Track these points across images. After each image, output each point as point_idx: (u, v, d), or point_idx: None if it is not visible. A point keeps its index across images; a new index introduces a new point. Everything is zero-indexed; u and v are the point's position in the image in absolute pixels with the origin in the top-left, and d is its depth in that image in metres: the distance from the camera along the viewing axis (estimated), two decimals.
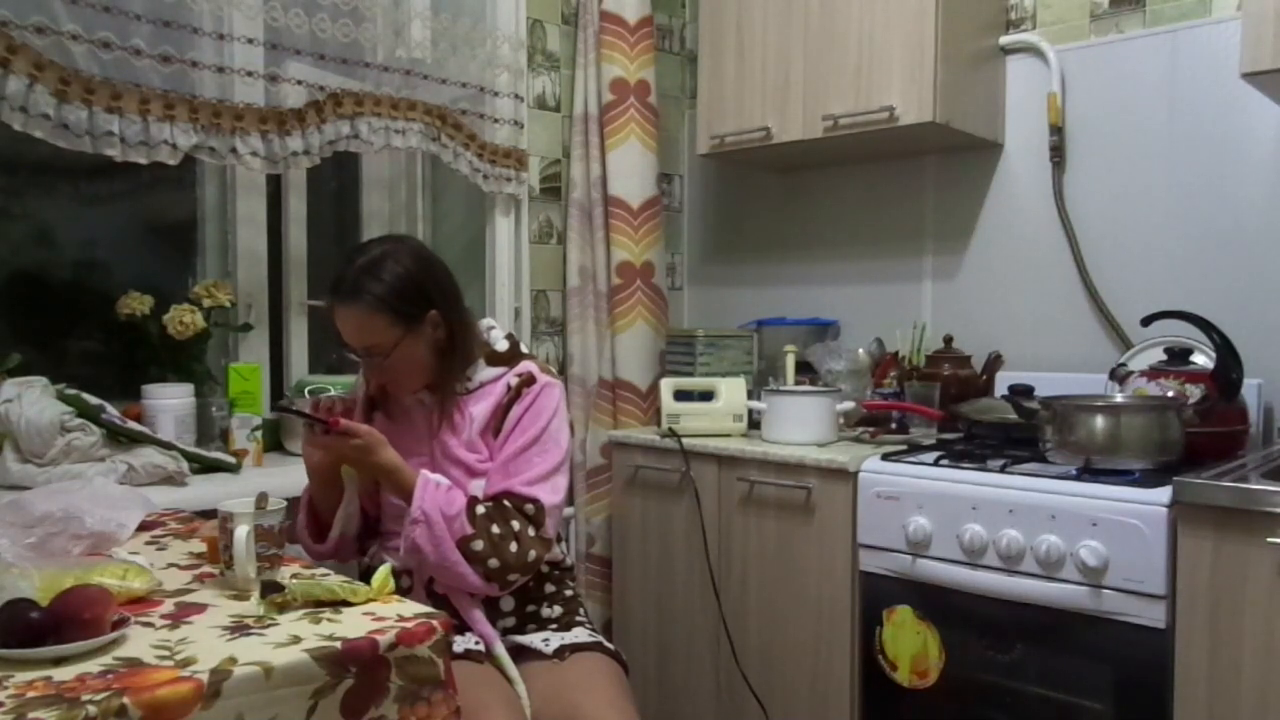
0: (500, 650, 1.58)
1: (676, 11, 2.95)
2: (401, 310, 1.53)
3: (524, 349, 1.73)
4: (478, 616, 1.59)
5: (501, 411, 1.62)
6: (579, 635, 1.67)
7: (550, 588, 1.72)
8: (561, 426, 1.65)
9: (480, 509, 1.55)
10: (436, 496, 1.52)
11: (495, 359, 1.67)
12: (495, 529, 1.54)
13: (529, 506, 1.58)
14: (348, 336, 1.57)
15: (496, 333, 1.72)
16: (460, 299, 1.65)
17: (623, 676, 1.64)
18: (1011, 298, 2.34)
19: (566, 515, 2.60)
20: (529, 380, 1.64)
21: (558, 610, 1.71)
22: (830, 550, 1.97)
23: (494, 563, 1.53)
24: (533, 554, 1.56)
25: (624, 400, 2.54)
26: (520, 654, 1.61)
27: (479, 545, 1.52)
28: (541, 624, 1.69)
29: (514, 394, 1.62)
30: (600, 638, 1.69)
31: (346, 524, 1.65)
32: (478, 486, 1.60)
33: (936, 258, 2.47)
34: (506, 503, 1.57)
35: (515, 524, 1.56)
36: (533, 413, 1.62)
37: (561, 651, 1.61)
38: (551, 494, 1.61)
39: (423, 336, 1.57)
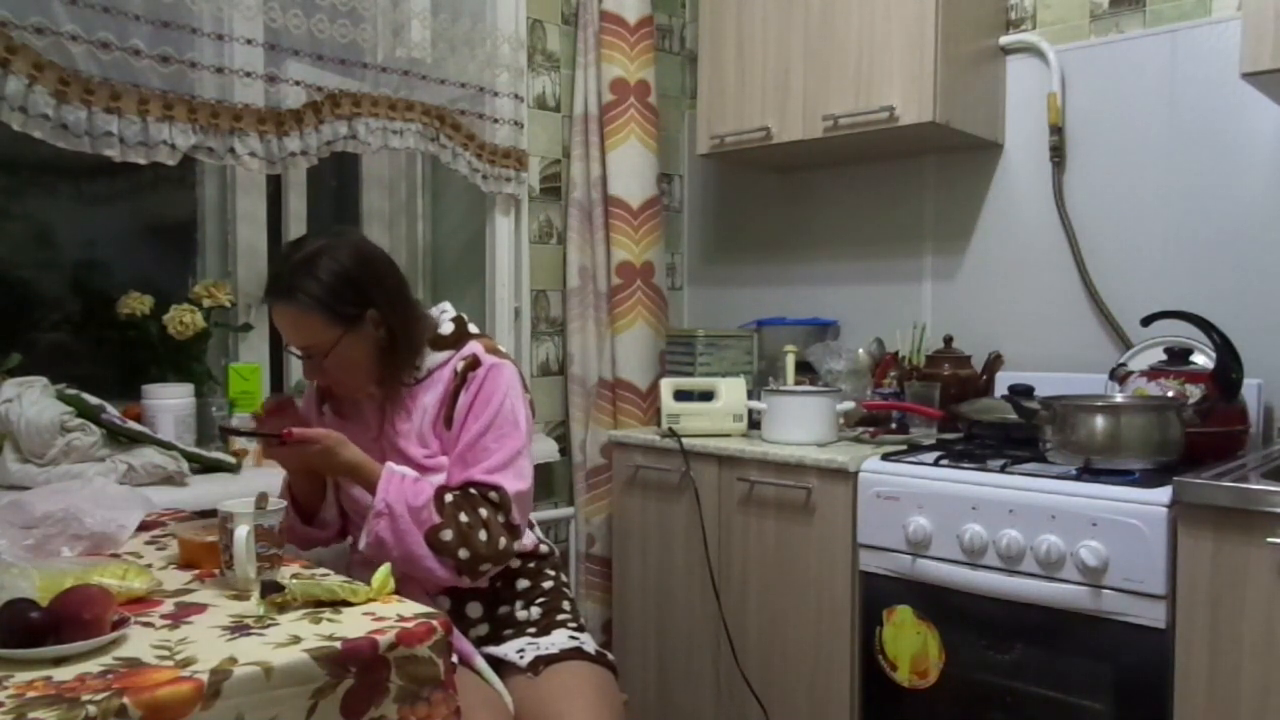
0: (481, 664, 1.51)
1: (676, 11, 2.95)
2: (338, 310, 1.48)
3: (473, 329, 1.66)
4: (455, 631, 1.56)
5: (449, 400, 1.57)
6: (558, 641, 1.60)
7: (524, 583, 1.66)
8: (517, 407, 1.58)
9: (448, 497, 1.50)
10: (402, 488, 1.48)
11: (440, 343, 1.61)
12: (463, 517, 1.49)
13: (493, 494, 1.53)
14: (285, 335, 1.53)
15: (446, 315, 1.65)
16: (404, 294, 1.58)
17: (605, 682, 1.58)
18: (1011, 298, 2.34)
19: (566, 515, 2.60)
20: (473, 364, 1.57)
21: (535, 612, 1.65)
22: (830, 550, 1.97)
23: (464, 553, 1.48)
24: (503, 541, 1.52)
25: (624, 400, 2.54)
26: (495, 666, 1.55)
27: (448, 535, 1.47)
28: (518, 628, 1.63)
29: (460, 380, 1.57)
30: (581, 640, 1.62)
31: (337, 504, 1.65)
32: (431, 481, 1.54)
33: (936, 258, 2.47)
34: (472, 490, 1.53)
35: (483, 511, 1.51)
36: (482, 398, 1.55)
37: (536, 665, 1.54)
38: (516, 480, 1.55)
39: (362, 336, 1.51)
